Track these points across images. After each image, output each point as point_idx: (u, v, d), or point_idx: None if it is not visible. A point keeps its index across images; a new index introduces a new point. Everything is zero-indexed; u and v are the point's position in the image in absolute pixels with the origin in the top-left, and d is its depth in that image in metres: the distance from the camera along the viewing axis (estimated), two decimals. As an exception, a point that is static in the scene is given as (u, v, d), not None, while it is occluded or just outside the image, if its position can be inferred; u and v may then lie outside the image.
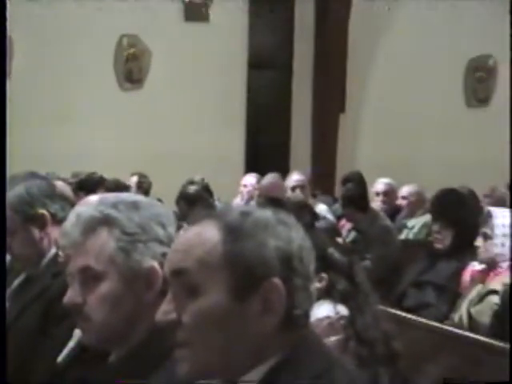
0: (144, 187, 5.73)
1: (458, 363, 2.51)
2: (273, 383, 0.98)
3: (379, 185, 5.41)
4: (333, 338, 2.00)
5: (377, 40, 7.96)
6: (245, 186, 5.76)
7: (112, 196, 1.36)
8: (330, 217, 5.10)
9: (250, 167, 7.28)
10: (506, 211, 3.05)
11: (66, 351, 1.48)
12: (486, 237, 2.93)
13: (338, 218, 5.12)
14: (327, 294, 2.09)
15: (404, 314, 2.87)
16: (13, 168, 2.00)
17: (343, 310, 2.09)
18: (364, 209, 4.56)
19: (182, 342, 1.00)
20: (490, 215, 2.97)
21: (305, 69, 7.86)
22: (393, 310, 2.79)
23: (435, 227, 3.42)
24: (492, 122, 8.07)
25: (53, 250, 1.80)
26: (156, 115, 7.30)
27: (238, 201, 5.71)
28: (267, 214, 1.04)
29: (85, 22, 6.98)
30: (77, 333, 1.42)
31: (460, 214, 3.37)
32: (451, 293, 3.20)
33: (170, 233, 1.31)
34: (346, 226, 4.88)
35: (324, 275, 2.10)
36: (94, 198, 1.41)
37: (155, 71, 7.40)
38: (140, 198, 1.38)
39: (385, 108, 7.98)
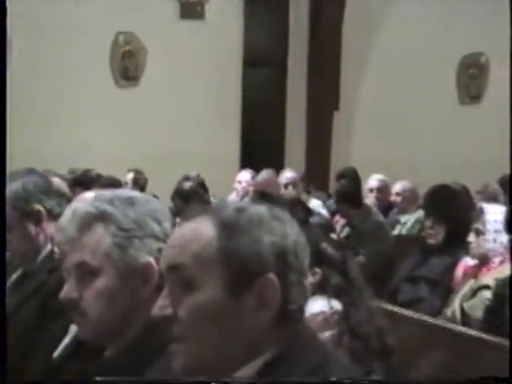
0: (140, 183, 5.74)
1: (451, 357, 2.53)
2: (268, 377, 0.99)
3: (373, 181, 5.43)
4: (327, 333, 2.01)
5: (370, 39, 7.98)
6: (239, 182, 5.77)
7: (108, 192, 1.36)
8: (324, 212, 5.12)
9: (244, 164, 7.28)
10: (497, 207, 3.08)
11: (62, 346, 1.49)
12: (479, 232, 2.96)
13: (333, 213, 5.14)
14: (321, 288, 2.10)
15: (397, 309, 2.89)
16: (10, 166, 2.00)
17: (337, 305, 2.10)
18: (357, 205, 4.58)
19: (178, 337, 1.01)
20: (482, 211, 2.99)
21: (299, 67, 7.87)
22: (386, 305, 2.80)
23: (428, 223, 3.44)
24: (484, 119, 8.11)
25: (49, 246, 1.81)
26: (152, 112, 7.29)
27: (233, 197, 5.72)
28: (262, 209, 1.05)
29: (81, 20, 6.96)
30: (73, 328, 1.43)
31: (452, 209, 3.39)
32: (444, 288, 3.22)
33: (166, 228, 1.31)
34: (339, 221, 4.90)
35: (318, 270, 2.11)
36: (90, 194, 1.42)
37: (151, 69, 7.39)
38: (136, 194, 1.39)
39: (378, 106, 7.99)
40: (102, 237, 1.28)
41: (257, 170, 5.67)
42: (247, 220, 1.02)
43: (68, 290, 1.29)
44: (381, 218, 4.69)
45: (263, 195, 4.10)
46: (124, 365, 1.25)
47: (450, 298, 3.05)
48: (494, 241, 2.93)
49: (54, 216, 1.75)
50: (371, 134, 7.94)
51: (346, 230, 4.68)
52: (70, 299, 1.29)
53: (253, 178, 5.60)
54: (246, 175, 5.81)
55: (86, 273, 1.28)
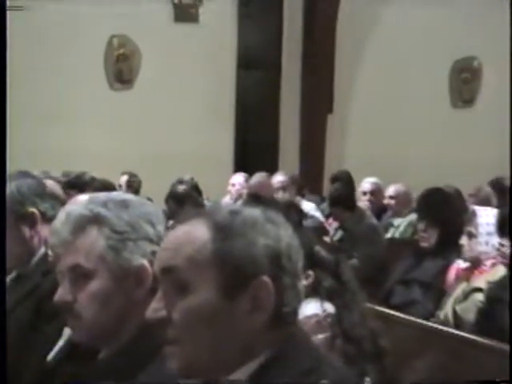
0: (134, 186, 5.74)
1: (444, 359, 2.54)
2: (262, 380, 1.00)
3: (366, 184, 5.45)
4: (320, 336, 2.02)
5: (364, 41, 8.01)
6: (233, 185, 5.78)
7: (102, 195, 1.36)
8: (318, 215, 5.13)
9: (238, 166, 7.29)
10: (489, 210, 3.10)
11: (56, 349, 1.49)
12: (471, 235, 2.97)
13: (326, 216, 5.15)
14: (314, 291, 2.11)
15: (391, 312, 2.90)
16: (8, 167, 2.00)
17: (330, 307, 2.11)
18: (351, 208, 4.59)
19: (172, 340, 1.01)
20: (474, 214, 3.00)
21: (293, 69, 7.89)
22: (380, 308, 2.81)
23: (421, 226, 3.45)
24: (477, 123, 8.16)
25: (43, 249, 1.80)
26: (146, 115, 7.30)
27: (226, 200, 5.72)
28: (256, 212, 1.05)
29: (75, 23, 6.95)
30: (67, 331, 1.43)
31: (445, 213, 3.40)
32: (437, 290, 3.23)
33: (160, 231, 1.31)
34: (333, 224, 4.91)
35: (310, 272, 2.12)
36: (83, 197, 1.42)
37: (145, 71, 7.39)
38: (129, 196, 1.39)
39: (372, 108, 8.03)
40: (95, 239, 1.28)
41: (250, 171, 5.68)
42: (241, 223, 1.02)
43: (62, 293, 1.29)
44: (374, 221, 4.71)
45: (257, 198, 4.11)
46: (118, 367, 1.25)
47: (443, 301, 3.06)
48: (486, 243, 2.94)
49: (48, 219, 1.75)
50: (365, 136, 7.97)
51: (340, 233, 4.69)
52: (64, 302, 1.29)
53: (246, 180, 5.61)
54: (239, 178, 5.82)
55: (80, 275, 1.28)
